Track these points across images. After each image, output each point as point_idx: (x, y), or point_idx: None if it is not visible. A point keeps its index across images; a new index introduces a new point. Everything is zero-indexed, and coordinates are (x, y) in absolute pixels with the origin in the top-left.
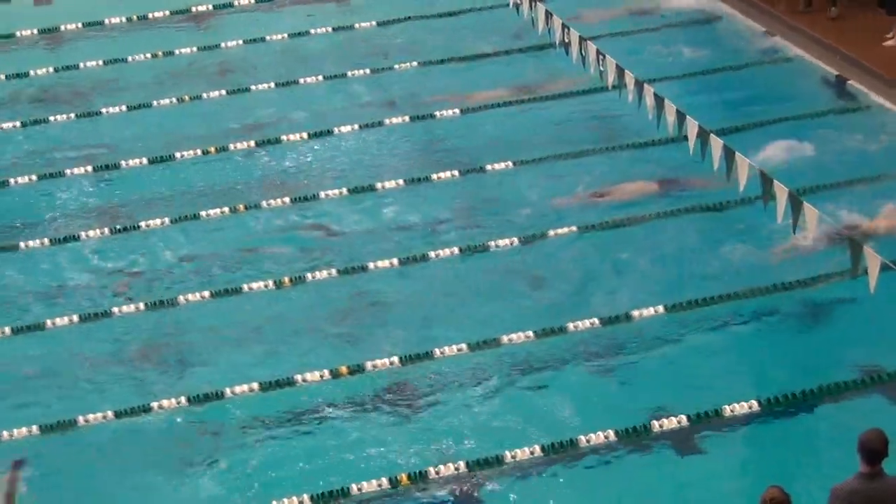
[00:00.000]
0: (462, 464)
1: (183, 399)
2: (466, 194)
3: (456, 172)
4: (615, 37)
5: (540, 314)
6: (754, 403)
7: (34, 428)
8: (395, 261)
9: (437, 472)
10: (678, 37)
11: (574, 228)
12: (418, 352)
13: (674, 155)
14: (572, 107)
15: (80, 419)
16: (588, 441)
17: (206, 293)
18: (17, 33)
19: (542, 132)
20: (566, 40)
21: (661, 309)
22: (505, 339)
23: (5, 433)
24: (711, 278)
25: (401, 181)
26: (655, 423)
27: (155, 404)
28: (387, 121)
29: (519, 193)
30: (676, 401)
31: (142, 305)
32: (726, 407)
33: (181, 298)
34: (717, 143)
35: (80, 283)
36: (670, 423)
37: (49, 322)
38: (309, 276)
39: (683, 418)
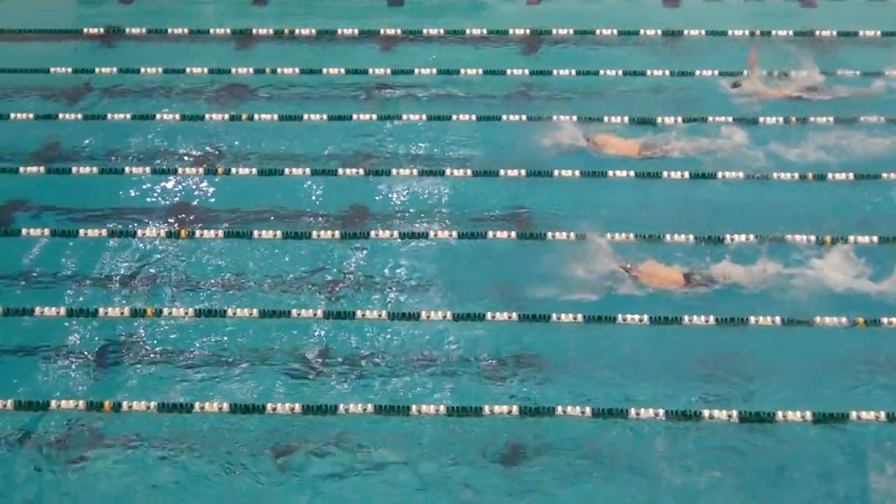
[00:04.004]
0: None
1: (734, 413)
2: None
3: None
4: None
5: None
6: None
7: None
8: None
9: None
10: None
11: None
12: None
13: None
14: None
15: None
16: None
17: (712, 318)
18: (641, 31)
19: None
20: None
21: None
22: None
23: None
24: None
25: None
26: None
27: (706, 412)
28: None
29: None
30: None
31: (711, 318)
32: None
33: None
34: None
35: None
36: None
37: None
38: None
39: None
